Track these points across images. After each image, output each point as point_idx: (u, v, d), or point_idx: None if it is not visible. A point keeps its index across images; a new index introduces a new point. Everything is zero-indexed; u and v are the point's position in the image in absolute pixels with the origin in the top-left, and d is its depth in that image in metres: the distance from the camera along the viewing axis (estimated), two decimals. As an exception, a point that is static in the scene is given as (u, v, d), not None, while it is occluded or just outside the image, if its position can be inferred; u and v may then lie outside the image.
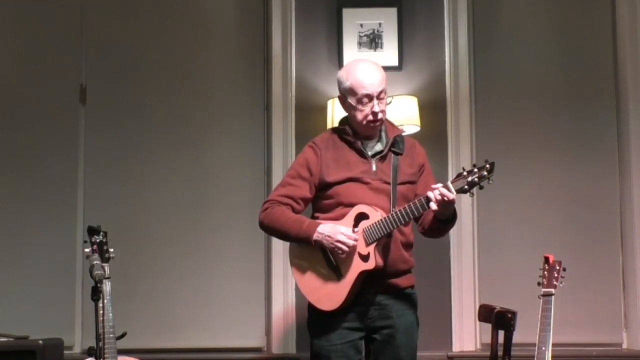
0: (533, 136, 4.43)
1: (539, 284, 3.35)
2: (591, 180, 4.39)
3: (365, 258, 2.91)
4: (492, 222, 4.40)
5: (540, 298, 3.32)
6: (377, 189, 3.00)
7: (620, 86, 4.45)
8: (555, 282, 3.32)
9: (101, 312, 3.10)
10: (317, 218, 3.06)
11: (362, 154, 3.06)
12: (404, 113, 4.19)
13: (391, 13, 4.43)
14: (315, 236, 2.94)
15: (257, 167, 4.45)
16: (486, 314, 3.56)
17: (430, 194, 2.84)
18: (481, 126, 4.45)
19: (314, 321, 3.07)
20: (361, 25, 4.42)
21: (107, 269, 3.22)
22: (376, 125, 3.05)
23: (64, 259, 4.37)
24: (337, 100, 4.11)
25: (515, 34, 4.51)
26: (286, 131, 4.39)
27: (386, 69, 4.33)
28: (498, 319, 3.43)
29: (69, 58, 4.52)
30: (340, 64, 4.35)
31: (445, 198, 2.81)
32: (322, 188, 3.05)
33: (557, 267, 3.34)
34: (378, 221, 2.90)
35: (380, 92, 3.01)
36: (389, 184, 3.01)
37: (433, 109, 4.38)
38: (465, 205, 4.30)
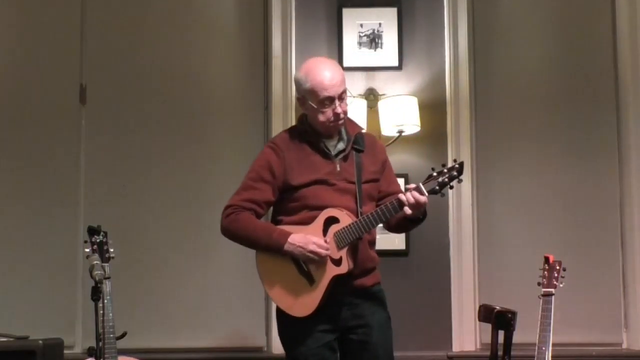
0: (533, 136, 4.43)
1: (539, 284, 3.36)
2: (591, 179, 4.39)
3: (337, 262, 2.86)
4: (492, 222, 4.39)
5: (540, 298, 3.32)
6: (343, 189, 2.93)
7: (620, 86, 4.45)
8: (555, 282, 3.33)
9: (101, 312, 3.09)
10: (280, 221, 2.97)
11: (325, 155, 2.96)
12: (404, 113, 4.20)
13: (391, 13, 4.43)
14: (287, 247, 2.86)
15: (257, 167, 4.44)
16: (486, 314, 3.56)
17: (402, 197, 2.80)
18: (481, 126, 4.45)
19: (287, 329, 3.00)
20: (361, 25, 4.42)
21: (107, 269, 3.22)
22: (338, 125, 2.96)
23: (64, 259, 4.37)
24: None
25: (515, 34, 4.51)
26: (286, 131, 4.38)
27: (386, 69, 4.44)
28: (498, 319, 3.43)
29: (69, 58, 4.51)
30: (340, 64, 4.34)
31: (419, 201, 2.79)
32: (287, 191, 2.95)
33: (557, 267, 3.35)
34: (349, 225, 2.84)
35: (342, 93, 2.92)
36: (353, 183, 2.95)
37: (433, 109, 4.38)
38: (465, 205, 4.31)
